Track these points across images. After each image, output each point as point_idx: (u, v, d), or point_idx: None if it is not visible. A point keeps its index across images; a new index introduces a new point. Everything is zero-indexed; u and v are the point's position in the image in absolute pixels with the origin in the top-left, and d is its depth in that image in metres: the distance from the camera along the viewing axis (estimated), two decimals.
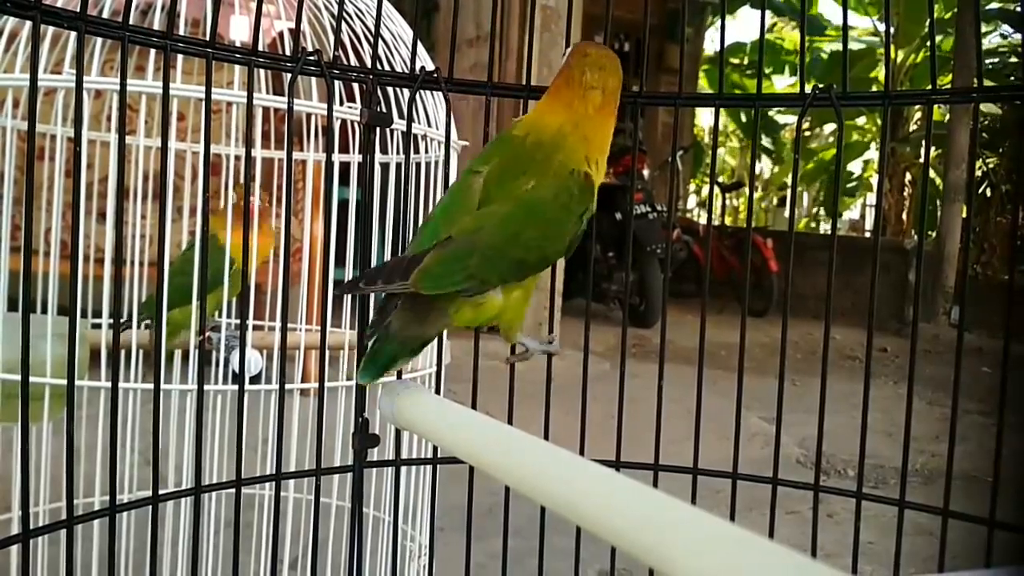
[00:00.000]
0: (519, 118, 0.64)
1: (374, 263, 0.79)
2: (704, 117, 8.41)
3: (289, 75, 0.66)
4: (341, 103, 0.82)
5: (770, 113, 7.59)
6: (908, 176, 6.75)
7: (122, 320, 0.94)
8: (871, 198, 9.12)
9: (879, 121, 6.76)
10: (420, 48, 0.78)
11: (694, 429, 0.77)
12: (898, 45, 6.39)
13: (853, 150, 8.01)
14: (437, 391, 0.75)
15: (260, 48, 0.65)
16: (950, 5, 5.24)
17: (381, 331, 0.60)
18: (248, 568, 1.11)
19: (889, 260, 4.78)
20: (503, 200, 0.59)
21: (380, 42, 0.76)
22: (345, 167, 1.06)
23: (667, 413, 0.77)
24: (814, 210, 8.97)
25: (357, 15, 0.93)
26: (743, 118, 8.20)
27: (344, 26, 0.91)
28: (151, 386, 0.64)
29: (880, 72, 6.92)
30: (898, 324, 4.54)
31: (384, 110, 0.75)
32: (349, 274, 1.01)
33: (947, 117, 5.15)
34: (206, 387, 0.71)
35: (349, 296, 1.06)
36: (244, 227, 0.66)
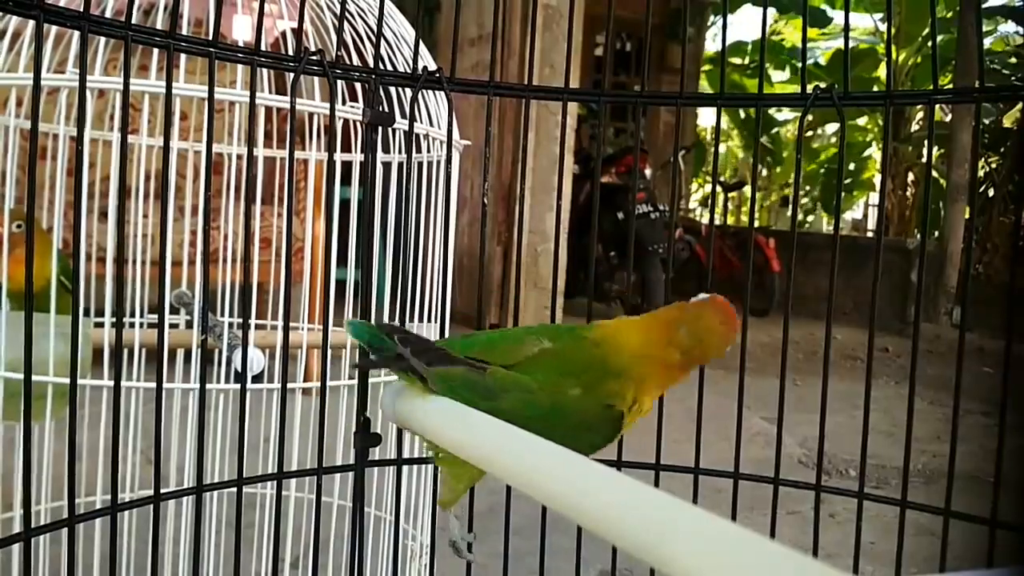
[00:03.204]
0: (602, 323, 0.63)
1: (375, 263, 0.79)
2: (705, 117, 8.41)
3: (291, 75, 0.66)
4: (343, 102, 0.82)
5: (769, 111, 7.58)
6: (911, 176, 6.74)
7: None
8: (873, 198, 9.10)
9: (880, 121, 6.75)
10: (422, 47, 0.78)
11: (695, 429, 0.77)
12: (899, 45, 6.39)
13: (853, 149, 8.01)
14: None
15: (262, 48, 0.65)
16: (951, 5, 5.23)
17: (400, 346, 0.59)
18: (250, 567, 1.11)
19: (891, 260, 4.77)
20: (544, 384, 0.59)
21: (382, 41, 0.76)
22: (347, 166, 1.06)
23: (668, 413, 0.77)
24: (813, 209, 8.95)
25: (359, 14, 0.93)
26: (741, 114, 8.19)
27: (346, 25, 0.91)
28: (153, 385, 0.64)
29: (882, 72, 6.91)
30: (900, 324, 4.53)
31: (386, 109, 0.75)
32: (351, 274, 1.01)
33: (949, 117, 5.15)
34: (208, 386, 0.71)
35: (351, 296, 1.06)
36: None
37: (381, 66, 0.74)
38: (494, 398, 0.57)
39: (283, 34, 1.25)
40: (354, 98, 0.88)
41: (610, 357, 0.60)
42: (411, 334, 0.61)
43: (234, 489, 0.67)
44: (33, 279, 0.56)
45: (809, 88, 0.72)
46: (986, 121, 5.77)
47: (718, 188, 4.21)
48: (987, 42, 6.79)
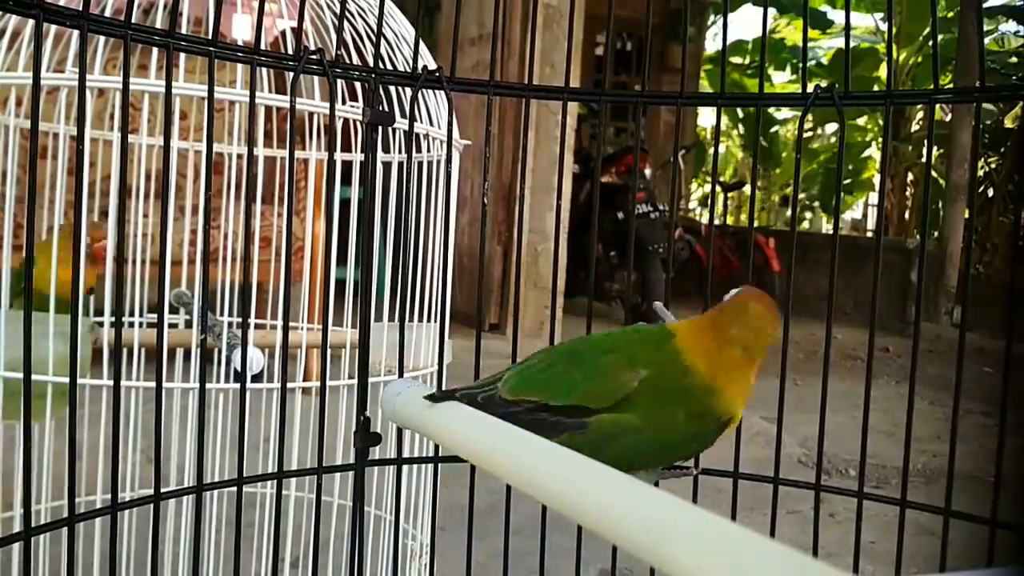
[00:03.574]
0: (679, 335, 0.61)
1: (375, 263, 0.79)
2: (706, 117, 8.41)
3: (291, 74, 0.66)
4: (343, 102, 0.82)
5: (769, 111, 7.57)
6: (910, 176, 6.73)
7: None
8: (873, 198, 9.09)
9: (880, 121, 6.74)
10: (422, 47, 0.78)
11: None
12: (900, 45, 6.38)
13: (852, 149, 8.00)
14: (439, 390, 0.74)
15: (262, 47, 0.65)
16: (952, 4, 5.23)
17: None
18: (249, 567, 1.11)
19: (891, 260, 4.77)
20: (648, 417, 0.57)
21: (382, 41, 0.76)
22: (347, 166, 1.06)
23: None
24: (810, 207, 8.93)
25: (359, 14, 0.93)
26: (740, 113, 8.19)
27: (346, 25, 0.91)
28: (153, 384, 0.64)
29: (882, 72, 6.91)
30: (900, 324, 4.53)
31: (386, 109, 0.75)
32: (350, 273, 1.01)
33: (949, 117, 5.15)
34: (208, 386, 0.71)
35: (350, 295, 1.06)
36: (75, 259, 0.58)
37: (381, 65, 0.74)
38: (601, 450, 0.54)
39: (283, 33, 1.25)
40: (354, 97, 0.88)
41: (700, 373, 0.59)
42: (494, 398, 0.58)
43: (234, 488, 0.67)
44: (33, 279, 0.56)
45: (810, 87, 0.72)
46: (987, 121, 5.76)
47: (718, 188, 4.21)
48: (987, 41, 6.79)
